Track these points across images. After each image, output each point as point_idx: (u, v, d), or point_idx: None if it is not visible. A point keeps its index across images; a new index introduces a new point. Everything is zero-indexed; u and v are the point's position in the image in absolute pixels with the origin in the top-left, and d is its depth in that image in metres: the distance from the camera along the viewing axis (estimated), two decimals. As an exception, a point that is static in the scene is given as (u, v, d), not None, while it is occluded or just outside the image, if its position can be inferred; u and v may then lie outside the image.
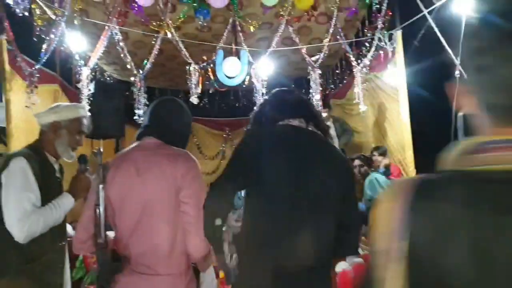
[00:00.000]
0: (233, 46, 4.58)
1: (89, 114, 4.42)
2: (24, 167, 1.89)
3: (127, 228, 1.62)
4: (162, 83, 6.76)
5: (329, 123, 5.83)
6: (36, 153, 2.02)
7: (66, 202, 2.03)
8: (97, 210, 1.55)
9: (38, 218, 1.84)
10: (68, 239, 2.16)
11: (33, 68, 4.31)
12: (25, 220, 1.80)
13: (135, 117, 4.30)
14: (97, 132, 5.25)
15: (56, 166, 2.16)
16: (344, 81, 6.26)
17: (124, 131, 5.81)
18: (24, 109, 4.30)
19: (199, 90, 4.50)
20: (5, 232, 1.80)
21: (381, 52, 4.77)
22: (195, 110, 4.89)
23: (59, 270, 2.08)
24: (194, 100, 4.43)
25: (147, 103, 4.38)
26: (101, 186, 1.57)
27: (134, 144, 1.76)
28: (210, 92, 5.19)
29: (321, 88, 4.72)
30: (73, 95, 5.53)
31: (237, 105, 6.99)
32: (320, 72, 4.74)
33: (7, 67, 4.12)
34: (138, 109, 4.13)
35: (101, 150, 1.66)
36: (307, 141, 1.57)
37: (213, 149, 8.16)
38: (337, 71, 6.25)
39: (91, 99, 4.57)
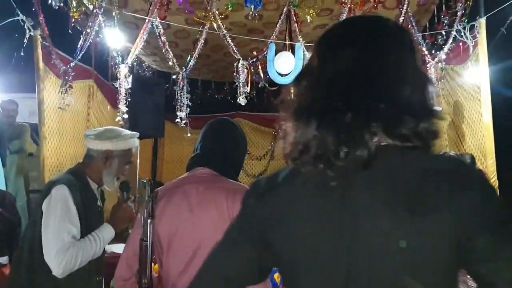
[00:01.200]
0: (287, 42, 4.64)
1: (126, 113, 4.83)
2: (66, 195, 1.99)
3: (176, 268, 1.66)
4: (206, 75, 6.95)
5: None
6: (78, 180, 2.12)
7: (106, 234, 2.11)
8: (143, 245, 1.57)
9: (77, 252, 1.93)
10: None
11: (69, 66, 4.56)
12: (63, 253, 1.89)
13: (177, 120, 4.49)
14: (134, 131, 5.57)
15: (97, 194, 2.27)
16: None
17: (164, 130, 6.05)
18: (57, 110, 4.60)
19: (247, 89, 4.61)
20: (43, 262, 1.92)
21: (460, 43, 4.68)
22: (239, 104, 5.00)
23: None
24: (241, 101, 4.54)
25: (190, 104, 4.56)
26: (149, 220, 1.58)
27: (185, 175, 1.80)
28: (260, 86, 5.30)
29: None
30: (109, 90, 5.87)
31: (289, 98, 7.07)
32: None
33: (41, 64, 4.37)
34: (180, 111, 4.30)
35: (151, 181, 1.67)
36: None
37: (260, 148, 8.29)
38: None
39: (129, 95, 4.80)
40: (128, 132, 2.27)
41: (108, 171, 2.20)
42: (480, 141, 4.80)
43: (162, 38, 4.40)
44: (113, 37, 4.50)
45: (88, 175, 2.20)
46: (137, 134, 2.34)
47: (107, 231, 2.13)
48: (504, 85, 4.31)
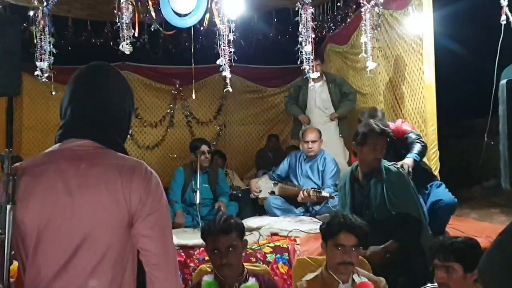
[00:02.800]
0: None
1: None
2: None
3: (49, 268, 1.58)
4: (79, 12, 6.52)
5: (319, 83, 5.85)
6: None
7: None
8: None
9: None
10: None
11: None
12: None
13: (36, 73, 4.12)
14: None
15: None
16: (348, 20, 6.20)
17: (20, 86, 5.61)
18: None
19: (133, 32, 4.36)
20: None
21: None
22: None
23: None
24: (125, 48, 4.29)
25: (54, 51, 4.21)
26: (8, 206, 1.50)
27: (55, 147, 1.69)
28: (152, 29, 5.05)
29: (313, 35, 4.62)
30: None
31: (191, 47, 6.84)
32: (312, 10, 4.64)
33: None
34: (41, 60, 3.93)
35: (11, 153, 1.56)
36: None
37: (156, 112, 8.12)
38: (338, 4, 6.18)
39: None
40: None
41: None
42: (420, 104, 4.97)
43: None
44: None
45: None
46: None
47: None
48: (450, 36, 4.39)
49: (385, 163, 3.67)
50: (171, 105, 8.08)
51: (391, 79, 5.62)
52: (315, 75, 4.77)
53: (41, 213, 1.58)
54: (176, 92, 8.03)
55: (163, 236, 1.64)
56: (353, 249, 2.63)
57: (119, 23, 4.34)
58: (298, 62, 4.66)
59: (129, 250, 1.65)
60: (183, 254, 3.95)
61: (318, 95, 6.01)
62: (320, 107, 6.03)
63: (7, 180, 1.52)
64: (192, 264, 3.86)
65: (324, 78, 5.99)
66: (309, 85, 5.17)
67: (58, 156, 1.66)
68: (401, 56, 5.32)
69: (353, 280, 2.63)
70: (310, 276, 2.71)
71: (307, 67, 4.56)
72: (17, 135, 7.59)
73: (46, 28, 4.21)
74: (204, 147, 5.37)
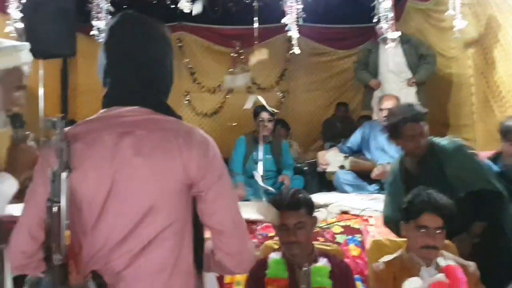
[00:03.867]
0: None
1: (20, 21, 4.52)
2: None
3: (113, 237, 1.65)
4: (133, -33, 6.60)
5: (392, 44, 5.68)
6: None
7: (7, 186, 2.06)
8: (53, 210, 1.51)
9: None
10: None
11: None
12: None
13: (93, 32, 4.23)
14: (34, 48, 5.30)
15: None
16: (432, -27, 6.01)
17: (75, 47, 5.79)
18: None
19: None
20: None
21: None
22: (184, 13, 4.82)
23: None
24: (184, 7, 4.33)
25: (112, 9, 4.30)
26: (64, 173, 1.53)
27: (103, 114, 1.71)
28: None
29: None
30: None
31: (254, 4, 6.82)
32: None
33: None
34: (97, 18, 4.03)
35: (63, 118, 1.57)
36: None
37: (214, 76, 8.16)
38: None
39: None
40: (8, 42, 2.19)
41: None
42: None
43: None
44: None
45: None
46: (26, 45, 2.26)
47: (7, 182, 2.07)
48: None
49: (436, 140, 3.49)
50: (231, 69, 8.05)
51: (481, 41, 5.42)
52: (395, 34, 4.65)
53: (100, 182, 1.63)
54: (236, 55, 8.02)
55: (228, 202, 1.69)
56: (437, 231, 2.55)
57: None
58: (374, 21, 4.56)
59: (188, 216, 1.71)
60: (245, 228, 4.00)
61: (392, 58, 5.85)
62: (394, 71, 5.89)
63: (60, 147, 1.54)
64: (255, 240, 3.90)
65: (398, 39, 5.82)
66: (386, 46, 5.04)
67: (110, 123, 1.68)
68: (494, 15, 5.10)
69: (437, 263, 2.56)
70: (388, 257, 2.68)
71: (386, 26, 4.45)
72: (72, 99, 7.78)
73: (103, -16, 4.30)
74: (265, 114, 5.40)
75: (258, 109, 5.55)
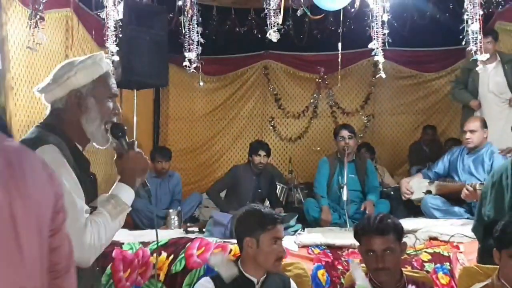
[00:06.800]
0: None
1: (116, 54, 4.75)
2: (59, 160, 1.91)
3: None
4: (223, 0, 6.80)
5: (493, 64, 5.49)
6: (61, 137, 2.03)
7: (126, 196, 2.04)
8: None
9: (98, 230, 1.90)
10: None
11: None
12: (82, 236, 1.85)
13: (185, 63, 4.39)
14: (128, 80, 5.58)
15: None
16: (521, -7, 5.83)
17: (167, 77, 6.03)
18: (26, 50, 4.60)
19: (280, 19, 4.46)
20: None
21: None
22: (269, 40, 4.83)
23: None
24: (273, 36, 4.41)
25: (202, 41, 4.44)
26: None
27: None
28: (298, 14, 5.12)
29: (481, 12, 4.39)
30: (93, 23, 5.80)
31: (339, 31, 6.83)
32: (480, -19, 4.41)
33: None
34: (189, 50, 4.19)
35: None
36: None
37: (299, 102, 8.21)
38: (508, -24, 5.83)
39: (120, 29, 4.75)
40: (84, 57, 2.16)
41: (87, 117, 2.10)
42: None
43: None
44: None
45: (66, 133, 2.10)
46: (101, 54, 2.22)
47: (124, 192, 2.06)
48: None
49: None
50: (315, 95, 8.11)
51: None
52: (485, 56, 4.52)
53: None
54: (320, 80, 8.05)
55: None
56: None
57: (266, 9, 4.48)
58: (463, 43, 4.47)
59: None
60: (330, 254, 3.98)
61: (492, 78, 5.65)
62: (494, 91, 5.65)
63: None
64: (340, 267, 3.87)
65: (498, 59, 5.61)
66: (477, 69, 4.91)
67: None
68: None
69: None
70: (479, 285, 2.60)
71: (474, 48, 4.35)
72: (164, 126, 8.21)
73: (194, 17, 4.45)
74: (344, 132, 5.41)
75: (338, 128, 5.59)
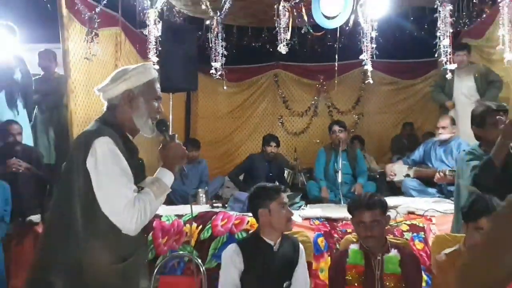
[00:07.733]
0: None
1: (156, 64, 4.78)
2: (113, 149, 1.93)
3: None
4: (242, 20, 6.79)
5: (465, 71, 5.43)
6: (115, 130, 2.03)
7: (167, 179, 2.07)
8: None
9: (144, 205, 1.92)
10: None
11: (94, 12, 4.55)
12: (132, 209, 1.89)
13: (211, 71, 4.38)
14: (165, 85, 5.60)
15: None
16: (484, 15, 5.73)
17: (197, 83, 6.05)
18: (84, 60, 4.66)
19: (288, 35, 4.44)
20: (97, 228, 1.89)
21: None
22: (279, 53, 4.85)
23: (144, 268, 2.14)
24: (282, 49, 4.40)
25: (225, 53, 4.44)
26: None
27: None
28: (303, 31, 5.11)
29: (451, 30, 4.35)
30: (137, 39, 5.83)
31: (335, 46, 6.80)
32: (451, 7, 4.37)
33: (65, 11, 4.39)
34: (215, 61, 4.19)
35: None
36: None
37: (302, 103, 8.20)
38: (474, 1, 5.74)
39: (159, 44, 4.76)
40: (137, 65, 2.18)
41: (137, 114, 2.10)
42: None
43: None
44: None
45: (120, 126, 2.11)
46: (150, 64, 2.27)
47: (166, 176, 2.08)
48: None
49: None
50: (315, 97, 8.09)
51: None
52: (453, 66, 4.50)
53: None
54: (320, 86, 8.02)
55: None
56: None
57: (277, 28, 4.47)
58: (436, 55, 4.46)
59: None
60: (328, 225, 3.97)
61: (465, 83, 5.60)
62: (465, 94, 5.61)
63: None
64: (336, 235, 3.86)
65: (472, 68, 5.57)
66: (447, 76, 4.86)
67: None
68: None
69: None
70: (449, 250, 2.59)
71: (445, 59, 4.33)
72: (194, 123, 8.26)
73: (219, 34, 4.45)
74: (336, 127, 5.43)
75: (332, 124, 5.64)
